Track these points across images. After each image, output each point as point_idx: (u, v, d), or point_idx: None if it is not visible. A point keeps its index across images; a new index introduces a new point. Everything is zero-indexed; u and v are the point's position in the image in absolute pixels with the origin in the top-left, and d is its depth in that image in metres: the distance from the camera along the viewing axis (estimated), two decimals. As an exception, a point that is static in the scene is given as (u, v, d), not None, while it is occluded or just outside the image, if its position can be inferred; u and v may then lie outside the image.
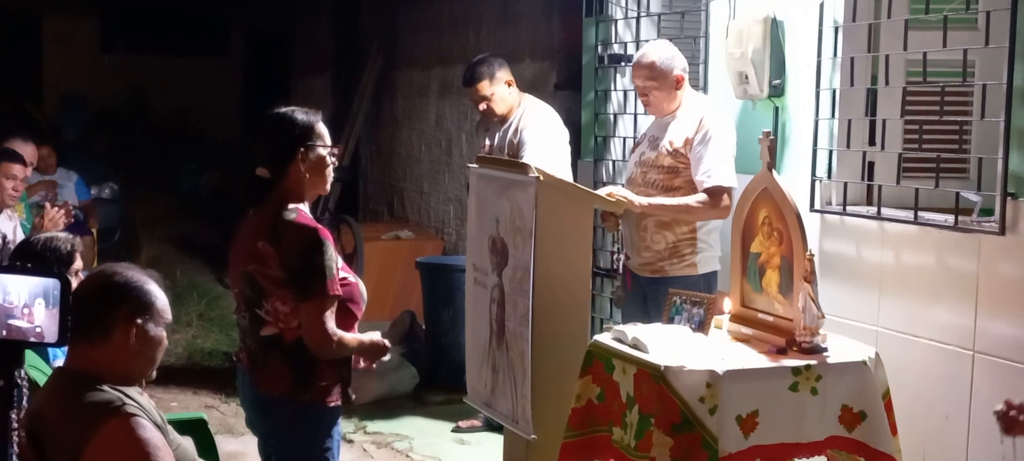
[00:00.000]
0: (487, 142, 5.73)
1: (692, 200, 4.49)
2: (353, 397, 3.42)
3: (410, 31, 9.53)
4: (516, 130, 5.56)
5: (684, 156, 4.53)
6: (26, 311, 2.02)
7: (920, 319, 4.08)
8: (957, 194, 3.96)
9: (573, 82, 6.46)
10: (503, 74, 5.59)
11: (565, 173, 5.32)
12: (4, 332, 2.03)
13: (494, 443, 5.41)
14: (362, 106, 9.99)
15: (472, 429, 5.93)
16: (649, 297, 4.59)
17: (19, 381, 2.05)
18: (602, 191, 4.62)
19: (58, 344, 2.05)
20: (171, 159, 14.36)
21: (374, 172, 10.32)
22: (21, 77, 15.35)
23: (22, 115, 13.02)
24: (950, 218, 3.96)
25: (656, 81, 4.58)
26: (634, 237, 4.68)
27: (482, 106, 5.61)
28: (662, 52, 4.61)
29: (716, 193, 4.46)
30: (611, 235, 5.16)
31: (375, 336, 3.44)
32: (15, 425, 2.03)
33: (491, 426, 5.62)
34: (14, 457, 2.05)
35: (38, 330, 2.04)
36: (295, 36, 13.19)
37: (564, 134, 5.61)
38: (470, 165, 5.03)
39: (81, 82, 15.84)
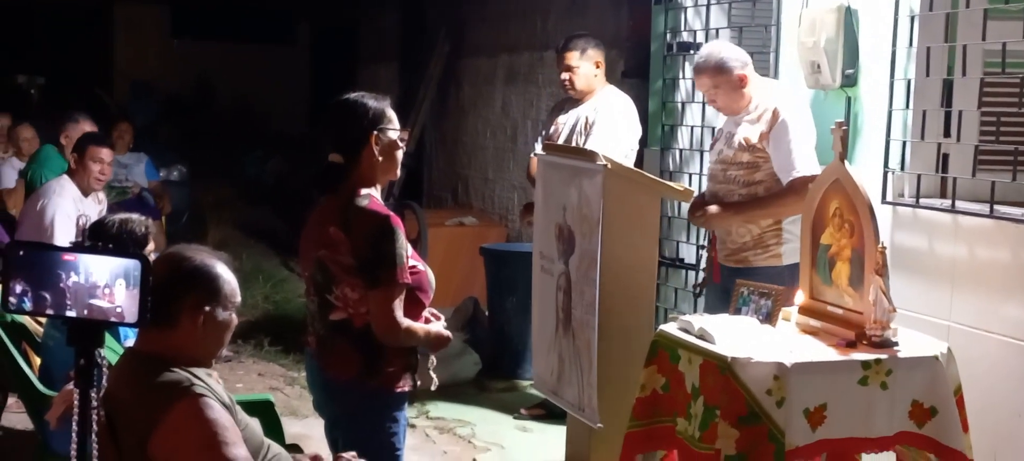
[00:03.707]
0: (559, 121, 5.71)
1: (779, 198, 4.44)
2: (433, 386, 3.46)
3: (477, 19, 9.54)
4: (592, 111, 5.54)
5: (762, 151, 4.48)
6: (107, 291, 2.05)
7: (994, 315, 4.01)
8: (1034, 188, 3.89)
9: (641, 70, 6.43)
10: (594, 54, 5.59)
11: (630, 164, 5.29)
12: (86, 311, 2.06)
13: (556, 431, 5.41)
14: (428, 94, 10.03)
15: (534, 416, 5.93)
16: (732, 290, 4.55)
17: (99, 360, 2.08)
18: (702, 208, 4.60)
19: (137, 324, 2.08)
20: (237, 146, 14.52)
21: (439, 159, 10.36)
22: (92, 63, 15.62)
23: (93, 100, 13.24)
24: (1027, 212, 3.88)
25: (719, 86, 4.53)
26: (720, 229, 4.65)
27: (565, 76, 5.62)
28: (719, 54, 4.55)
29: (800, 185, 4.39)
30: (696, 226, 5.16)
31: (440, 328, 3.45)
32: (95, 404, 2.07)
33: (553, 414, 5.62)
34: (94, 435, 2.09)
35: (119, 310, 2.06)
36: (362, 25, 13.26)
37: (637, 128, 5.57)
38: (537, 152, 5.03)
39: (150, 68, 16.08)
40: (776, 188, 4.48)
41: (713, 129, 4.84)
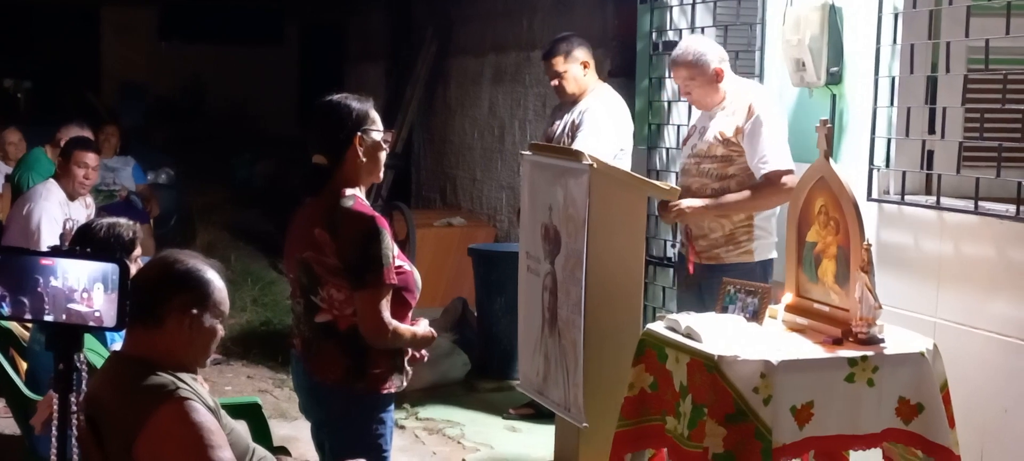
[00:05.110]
0: (558, 122, 5.70)
1: (753, 192, 4.45)
2: (407, 379, 3.45)
3: (464, 19, 9.54)
4: (578, 113, 5.51)
5: (736, 145, 4.50)
6: (85, 295, 2.04)
7: (980, 311, 4.01)
8: (1019, 183, 3.88)
9: (627, 69, 6.43)
10: (581, 54, 5.52)
11: (618, 163, 5.26)
12: (64, 316, 2.06)
13: (545, 431, 5.41)
14: (416, 94, 10.03)
15: (523, 416, 5.93)
16: (704, 285, 4.55)
17: (78, 365, 2.08)
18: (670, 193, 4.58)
19: (116, 328, 2.07)
20: (227, 148, 14.49)
21: (427, 159, 10.35)
22: (81, 66, 15.59)
23: (82, 103, 13.21)
24: (1011, 208, 3.88)
25: (694, 78, 4.55)
26: (691, 225, 4.65)
27: (554, 83, 5.60)
28: (696, 48, 4.57)
29: (774, 178, 4.42)
30: (668, 224, 5.13)
31: (426, 329, 3.45)
32: (74, 408, 2.06)
33: (542, 413, 5.62)
34: (74, 440, 2.08)
35: (97, 314, 2.06)
36: (350, 25, 13.26)
37: (627, 127, 5.53)
38: (523, 152, 5.03)
39: (139, 71, 16.06)
40: (749, 183, 4.49)
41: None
